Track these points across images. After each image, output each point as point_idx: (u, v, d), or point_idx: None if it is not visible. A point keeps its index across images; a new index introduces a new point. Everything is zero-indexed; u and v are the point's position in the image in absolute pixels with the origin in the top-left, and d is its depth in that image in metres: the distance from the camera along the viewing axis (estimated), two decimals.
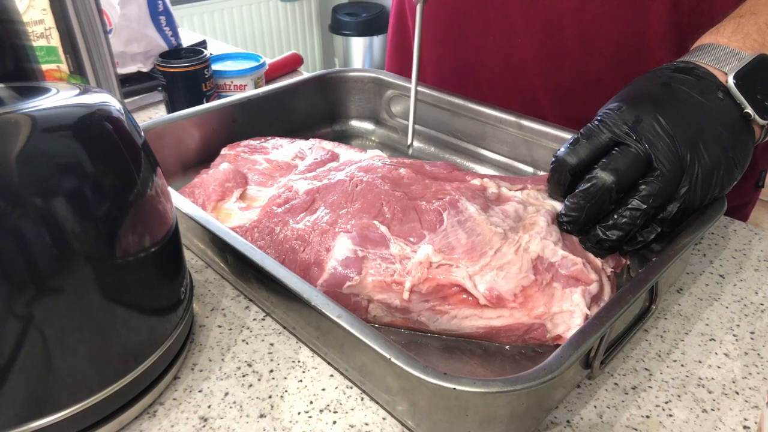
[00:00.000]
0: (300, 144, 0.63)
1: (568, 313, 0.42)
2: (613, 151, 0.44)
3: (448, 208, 0.46)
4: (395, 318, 0.44)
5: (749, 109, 0.45)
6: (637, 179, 0.44)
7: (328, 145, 0.63)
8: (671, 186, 0.43)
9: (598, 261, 0.46)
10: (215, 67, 0.85)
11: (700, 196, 0.44)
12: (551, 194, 0.50)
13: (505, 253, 0.43)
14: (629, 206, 0.43)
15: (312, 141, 0.63)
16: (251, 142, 0.64)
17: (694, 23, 0.51)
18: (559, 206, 0.49)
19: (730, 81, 0.45)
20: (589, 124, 0.46)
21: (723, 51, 0.47)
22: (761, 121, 0.45)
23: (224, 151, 0.63)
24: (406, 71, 0.81)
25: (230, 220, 0.53)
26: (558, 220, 0.47)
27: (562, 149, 0.46)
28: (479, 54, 0.73)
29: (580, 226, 0.46)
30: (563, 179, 0.47)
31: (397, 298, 0.43)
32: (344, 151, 0.61)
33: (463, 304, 0.43)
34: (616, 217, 0.44)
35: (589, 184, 0.44)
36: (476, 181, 0.51)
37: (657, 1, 0.61)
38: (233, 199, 0.55)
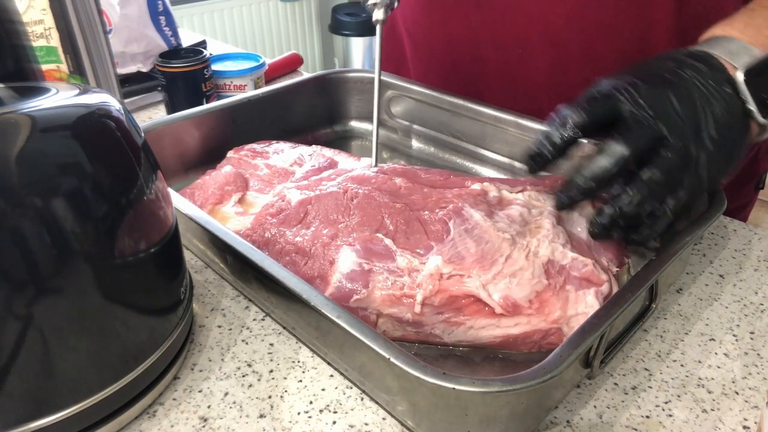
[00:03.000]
0: (300, 150, 0.63)
1: (583, 315, 0.42)
2: (628, 121, 0.44)
3: (454, 217, 0.45)
4: (407, 332, 0.43)
5: (752, 106, 0.45)
6: (647, 154, 0.44)
7: (329, 152, 0.62)
8: (683, 162, 0.43)
9: (604, 261, 0.46)
10: (215, 67, 0.85)
11: (706, 179, 0.44)
12: (530, 164, 0.48)
13: (516, 259, 0.43)
14: (643, 178, 0.43)
15: (313, 147, 0.63)
16: (255, 146, 0.64)
17: (699, 30, 0.51)
18: None
19: (740, 76, 0.45)
20: (603, 90, 0.46)
21: (736, 45, 0.47)
22: (761, 120, 0.45)
23: (230, 153, 0.63)
24: (396, 70, 0.81)
25: (226, 224, 0.53)
26: (563, 190, 0.46)
27: (569, 107, 0.46)
28: (480, 65, 0.73)
29: (590, 195, 0.45)
30: (562, 139, 0.46)
31: (408, 311, 0.42)
32: (344, 159, 0.61)
33: (478, 314, 0.42)
34: (629, 191, 0.43)
35: (603, 155, 0.43)
36: (476, 186, 0.50)
37: (660, 7, 0.60)
38: (231, 203, 0.55)
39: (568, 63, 0.66)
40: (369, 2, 0.60)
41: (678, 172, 0.43)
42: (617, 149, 0.43)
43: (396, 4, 0.62)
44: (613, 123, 0.45)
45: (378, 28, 0.61)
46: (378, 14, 0.61)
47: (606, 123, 0.45)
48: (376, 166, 0.58)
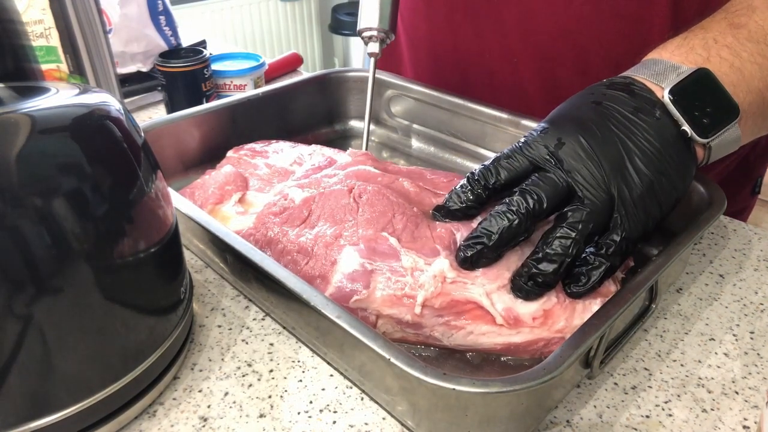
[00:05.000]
0: (300, 150, 0.63)
1: None
2: (533, 177, 0.42)
3: (462, 229, 0.45)
4: (407, 334, 0.43)
5: (686, 127, 0.42)
6: (559, 206, 0.41)
7: (328, 151, 0.62)
8: (599, 212, 0.40)
9: None
10: (215, 66, 0.85)
11: (641, 221, 0.41)
12: (434, 213, 0.47)
13: None
14: (557, 235, 0.40)
15: (313, 147, 0.63)
16: (255, 145, 0.64)
17: None
18: None
19: (666, 96, 0.43)
20: (512, 145, 0.44)
21: (663, 65, 0.45)
22: (700, 140, 0.43)
23: (229, 153, 0.63)
24: (394, 69, 0.81)
25: (227, 224, 0.53)
26: (463, 244, 0.42)
27: (480, 167, 0.44)
28: (475, 73, 0.73)
29: (492, 252, 0.41)
30: (473, 199, 0.44)
31: (408, 313, 0.42)
32: (343, 158, 0.61)
33: (480, 320, 0.41)
34: (544, 247, 0.40)
35: (504, 207, 0.41)
36: None
37: (656, 24, 0.59)
38: (231, 202, 0.55)
39: (561, 76, 0.66)
40: (364, 35, 0.60)
41: (597, 220, 0.40)
42: (518, 201, 0.41)
43: (392, 38, 0.61)
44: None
45: (372, 61, 0.61)
46: (373, 47, 0.61)
47: (526, 176, 0.43)
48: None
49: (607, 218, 0.41)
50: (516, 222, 0.41)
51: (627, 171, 0.41)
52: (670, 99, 0.43)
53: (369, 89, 0.62)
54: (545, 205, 0.41)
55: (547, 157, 0.42)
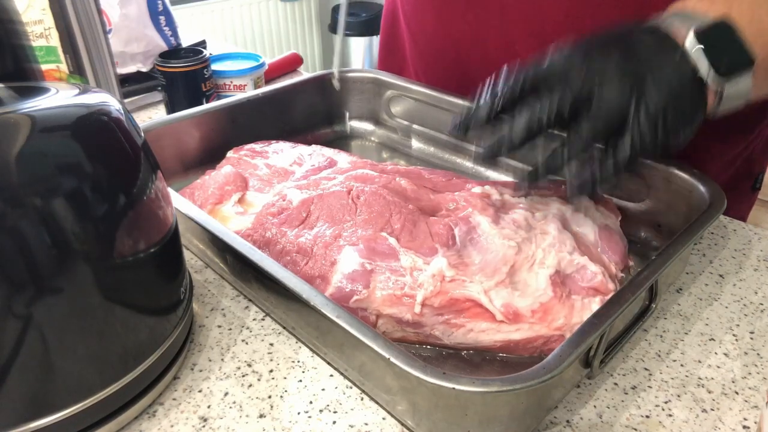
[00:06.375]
0: (300, 150, 0.63)
1: None
2: (555, 85, 0.44)
3: (460, 224, 0.45)
4: (407, 333, 0.43)
5: (702, 72, 0.44)
6: (577, 112, 0.44)
7: (329, 151, 0.62)
8: (613, 117, 0.43)
9: (613, 267, 0.46)
10: (215, 66, 0.85)
11: (651, 132, 0.43)
12: (461, 126, 0.48)
13: (521, 270, 0.43)
14: (576, 129, 0.43)
15: (313, 147, 0.63)
16: (255, 145, 0.64)
17: None
18: (565, 209, 0.48)
19: (688, 42, 0.45)
20: (556, 53, 0.47)
21: (685, 14, 0.47)
22: (713, 86, 0.45)
23: (229, 153, 0.63)
24: (398, 71, 0.81)
25: (226, 224, 0.53)
26: (489, 147, 0.45)
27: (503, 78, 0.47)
28: (479, 63, 0.73)
29: (510, 143, 0.44)
30: (495, 106, 0.46)
31: (408, 312, 0.42)
32: (343, 159, 0.61)
33: (479, 317, 0.42)
34: (568, 144, 0.43)
35: (528, 107, 0.44)
36: (477, 189, 0.50)
37: (659, 9, 0.60)
38: (231, 203, 0.55)
39: None
40: None
41: (608, 125, 0.43)
42: (545, 104, 0.43)
43: None
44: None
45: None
46: None
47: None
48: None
49: (620, 123, 0.43)
50: (538, 119, 0.43)
51: (646, 86, 0.43)
52: (691, 44, 0.44)
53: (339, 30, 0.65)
54: (566, 109, 0.43)
55: (569, 66, 0.44)
